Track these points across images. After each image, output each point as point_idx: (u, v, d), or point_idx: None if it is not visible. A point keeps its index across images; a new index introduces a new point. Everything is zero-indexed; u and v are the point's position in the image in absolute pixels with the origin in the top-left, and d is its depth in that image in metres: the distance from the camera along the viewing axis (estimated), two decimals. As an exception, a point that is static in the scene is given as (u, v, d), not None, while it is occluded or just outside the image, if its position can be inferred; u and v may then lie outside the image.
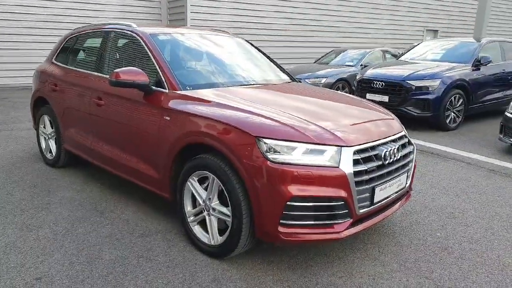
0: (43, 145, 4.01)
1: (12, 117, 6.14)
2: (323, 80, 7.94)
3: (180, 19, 10.93)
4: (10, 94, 8.34)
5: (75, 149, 3.52)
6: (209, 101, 2.41)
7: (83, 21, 9.59)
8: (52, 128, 3.85)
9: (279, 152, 2.01)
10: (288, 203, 1.98)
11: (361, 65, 8.44)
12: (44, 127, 3.98)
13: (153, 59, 2.76)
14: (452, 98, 5.80)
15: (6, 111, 6.54)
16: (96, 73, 3.25)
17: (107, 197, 3.18)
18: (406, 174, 2.44)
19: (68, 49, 3.83)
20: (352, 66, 8.60)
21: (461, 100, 5.94)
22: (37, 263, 2.23)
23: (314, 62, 9.94)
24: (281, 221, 2.00)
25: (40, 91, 3.91)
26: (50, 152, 3.91)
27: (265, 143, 2.02)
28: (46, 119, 3.92)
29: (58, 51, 3.95)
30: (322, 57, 10.04)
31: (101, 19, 9.84)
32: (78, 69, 3.52)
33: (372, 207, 2.18)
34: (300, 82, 3.48)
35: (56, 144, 3.81)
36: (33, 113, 4.15)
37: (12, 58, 9.36)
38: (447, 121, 5.85)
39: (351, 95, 3.13)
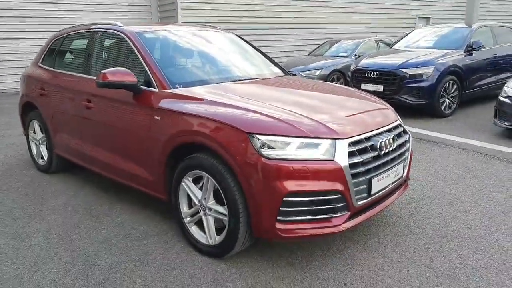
0: (34, 151, 3.94)
1: (3, 123, 6.04)
2: (318, 72, 7.88)
3: (171, 16, 10.79)
4: (0, 100, 8.21)
5: (67, 154, 3.46)
6: (199, 99, 2.36)
7: (72, 21, 9.44)
8: (43, 134, 3.78)
9: (273, 148, 1.97)
10: (285, 199, 1.94)
11: (355, 55, 8.39)
12: (34, 133, 3.91)
13: (140, 58, 2.69)
14: (446, 84, 5.78)
15: (-4, 118, 6.44)
16: (83, 75, 3.18)
17: (102, 200, 3.13)
18: (402, 163, 2.41)
19: (54, 52, 3.75)
20: (346, 56, 8.55)
21: (455, 86, 5.91)
22: (30, 273, 2.18)
23: (308, 55, 9.86)
24: (278, 217, 1.97)
25: (28, 96, 3.84)
26: (42, 158, 3.84)
27: (258, 139, 1.98)
28: (35, 124, 3.85)
29: (44, 54, 3.86)
30: (315, 49, 9.97)
31: (90, 19, 9.68)
32: (65, 72, 3.44)
33: (370, 198, 2.15)
34: (294, 75, 3.43)
35: (47, 149, 3.74)
36: (22, 118, 4.07)
37: (2, 63, 9.20)
38: (442, 108, 5.83)
39: (344, 86, 3.08)
